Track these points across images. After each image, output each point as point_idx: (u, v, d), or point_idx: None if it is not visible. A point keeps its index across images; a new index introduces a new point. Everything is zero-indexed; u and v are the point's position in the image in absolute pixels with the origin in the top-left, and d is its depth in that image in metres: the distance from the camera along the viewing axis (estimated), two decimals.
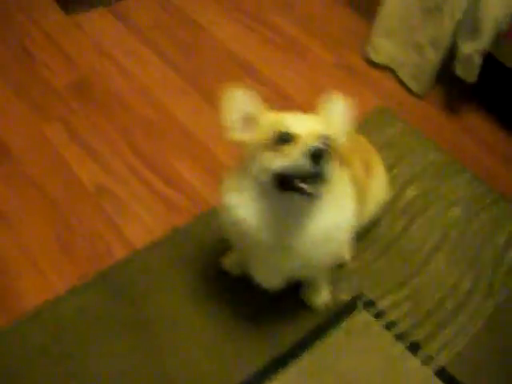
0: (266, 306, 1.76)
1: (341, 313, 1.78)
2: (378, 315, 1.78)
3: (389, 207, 2.00)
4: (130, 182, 2.03)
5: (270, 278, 1.56)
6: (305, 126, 1.30)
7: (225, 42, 2.66)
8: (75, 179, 2.02)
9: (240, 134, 1.36)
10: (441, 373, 1.68)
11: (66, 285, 1.75)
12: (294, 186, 1.25)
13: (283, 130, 1.27)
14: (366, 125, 2.32)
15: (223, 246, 1.80)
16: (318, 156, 1.19)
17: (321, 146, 1.21)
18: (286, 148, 1.25)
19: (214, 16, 2.80)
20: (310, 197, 1.26)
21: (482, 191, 2.18)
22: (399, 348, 1.72)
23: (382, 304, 1.81)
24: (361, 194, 1.60)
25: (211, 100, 2.36)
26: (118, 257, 1.83)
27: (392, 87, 2.56)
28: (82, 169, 2.05)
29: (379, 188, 1.84)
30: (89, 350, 1.62)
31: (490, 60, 2.27)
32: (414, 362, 1.69)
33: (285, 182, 1.27)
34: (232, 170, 1.45)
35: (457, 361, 1.71)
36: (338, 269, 1.85)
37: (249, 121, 1.36)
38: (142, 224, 1.92)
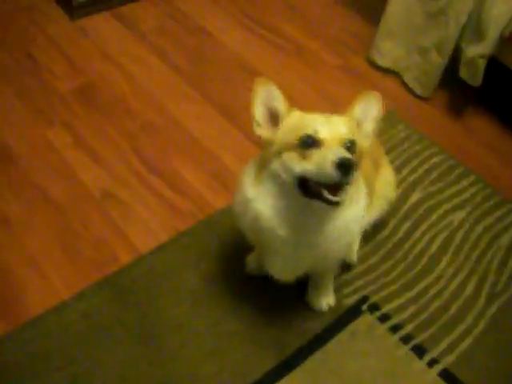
0: (270, 310, 1.76)
1: (345, 316, 1.78)
2: (383, 318, 1.78)
3: (393, 211, 2.00)
4: (135, 187, 2.04)
5: (284, 271, 1.57)
6: (331, 129, 1.30)
7: (230, 47, 2.67)
8: (80, 184, 2.03)
9: (265, 130, 1.38)
10: (445, 375, 1.68)
11: (70, 290, 1.75)
12: (318, 194, 1.27)
13: (309, 132, 1.28)
14: None
15: (227, 249, 1.82)
16: (345, 166, 1.20)
17: (349, 156, 1.21)
18: (312, 152, 1.26)
19: (220, 22, 2.81)
20: (335, 205, 1.27)
21: (486, 194, 2.17)
22: (403, 351, 1.72)
23: (387, 307, 1.81)
24: (370, 188, 1.62)
25: (216, 105, 2.37)
26: (123, 262, 1.83)
27: (396, 90, 2.57)
28: (86, 174, 2.06)
29: (387, 184, 1.85)
30: (93, 356, 1.63)
31: (494, 63, 2.27)
32: (418, 365, 1.69)
33: (307, 186, 1.29)
34: (252, 165, 1.45)
35: (461, 363, 1.71)
36: (345, 272, 1.86)
37: (274, 117, 1.38)
38: (147, 228, 1.93)
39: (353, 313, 1.79)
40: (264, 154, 1.40)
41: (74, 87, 2.36)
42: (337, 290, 1.82)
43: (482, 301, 1.87)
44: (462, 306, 1.85)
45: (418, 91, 2.50)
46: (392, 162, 2.12)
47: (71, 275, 1.80)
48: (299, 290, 1.78)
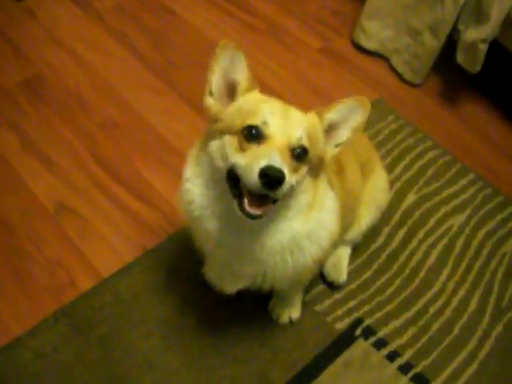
0: (252, 338, 1.57)
1: (338, 344, 1.59)
2: (379, 344, 1.60)
3: (387, 217, 1.79)
4: (94, 198, 1.79)
5: (221, 280, 1.38)
6: (283, 127, 1.10)
7: (198, 28, 2.39)
8: (30, 196, 1.77)
9: (217, 103, 1.19)
10: None
11: (22, 325, 1.53)
12: (240, 197, 1.09)
13: (256, 123, 1.09)
14: None
15: (200, 266, 1.58)
16: (270, 179, 1.01)
17: (279, 168, 1.02)
18: (251, 147, 1.08)
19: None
20: (250, 218, 1.07)
21: (487, 194, 1.98)
22: (403, 381, 1.54)
23: (383, 331, 1.63)
24: (354, 198, 1.48)
25: (185, 97, 2.10)
26: (82, 288, 1.61)
27: (383, 75, 2.34)
28: (37, 184, 1.80)
29: (379, 190, 1.66)
30: None
31: (492, 47, 2.04)
32: None
33: (237, 183, 1.10)
34: (196, 146, 1.26)
35: None
36: (335, 291, 1.66)
37: (231, 90, 1.19)
38: (109, 247, 1.69)
39: (346, 339, 1.60)
40: (208, 130, 1.20)
41: (20, 80, 2.07)
42: (327, 313, 1.63)
43: (486, 318, 1.69)
44: (466, 325, 1.67)
45: (408, 76, 2.27)
46: (383, 158, 1.91)
47: (22, 306, 1.57)
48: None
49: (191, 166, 1.24)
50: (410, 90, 2.28)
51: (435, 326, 1.65)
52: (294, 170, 1.09)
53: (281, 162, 1.02)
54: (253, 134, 1.08)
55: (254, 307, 1.45)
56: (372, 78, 2.31)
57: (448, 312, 1.69)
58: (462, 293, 1.73)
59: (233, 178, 1.10)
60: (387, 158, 2.01)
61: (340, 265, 1.68)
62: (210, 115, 1.19)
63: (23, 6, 2.34)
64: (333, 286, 1.68)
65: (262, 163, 1.02)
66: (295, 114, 1.15)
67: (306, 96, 2.18)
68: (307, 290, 1.62)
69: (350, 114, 1.19)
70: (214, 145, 1.15)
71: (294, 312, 1.60)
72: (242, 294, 1.43)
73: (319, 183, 1.22)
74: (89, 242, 1.69)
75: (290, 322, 1.60)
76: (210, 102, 1.19)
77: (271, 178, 1.01)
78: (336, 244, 1.47)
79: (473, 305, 1.71)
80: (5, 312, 1.54)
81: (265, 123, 1.09)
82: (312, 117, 1.18)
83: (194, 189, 1.22)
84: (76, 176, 1.83)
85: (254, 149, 1.07)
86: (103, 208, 1.77)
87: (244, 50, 2.33)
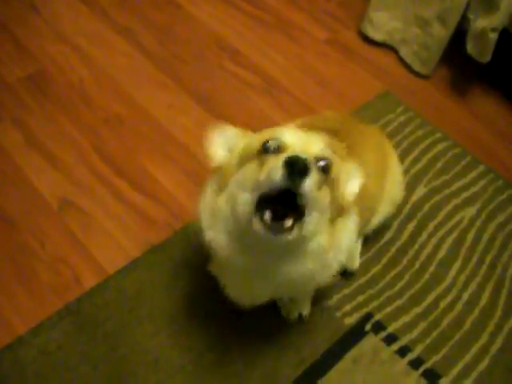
0: (261, 335, 1.53)
1: (347, 339, 1.56)
2: (389, 339, 1.57)
3: (395, 210, 1.76)
4: (98, 193, 1.76)
5: (242, 296, 1.34)
6: (303, 140, 1.06)
7: (203, 21, 2.35)
8: (34, 192, 1.74)
9: (222, 158, 1.16)
10: None
11: (26, 323, 1.50)
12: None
13: (275, 136, 1.05)
14: (365, 112, 2.07)
15: (206, 262, 1.56)
16: (297, 165, 0.94)
17: (304, 156, 0.95)
18: (269, 158, 1.02)
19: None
20: (275, 233, 1.01)
21: (498, 186, 1.94)
22: (414, 377, 1.51)
23: (393, 326, 1.59)
24: (373, 203, 1.46)
25: (191, 91, 2.07)
26: (87, 285, 1.58)
27: (392, 67, 2.29)
28: (41, 179, 1.77)
29: (395, 185, 1.62)
30: None
31: (502, 36, 1.99)
32: None
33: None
34: (208, 189, 1.20)
35: None
36: (345, 284, 1.64)
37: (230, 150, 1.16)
38: (114, 243, 1.67)
39: (355, 334, 1.57)
40: (220, 178, 1.15)
41: (24, 75, 2.05)
42: (336, 308, 1.60)
43: (498, 312, 1.65)
44: (477, 319, 1.63)
45: (417, 67, 2.23)
46: None
47: (26, 304, 1.54)
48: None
49: (207, 215, 1.17)
50: (418, 82, 2.24)
51: (446, 321, 1.61)
52: (318, 187, 1.02)
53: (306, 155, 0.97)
54: (272, 147, 1.04)
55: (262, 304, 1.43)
56: (380, 69, 2.27)
57: (459, 306, 1.65)
58: (473, 287, 1.69)
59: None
60: (396, 151, 1.96)
61: (353, 253, 1.64)
62: (219, 168, 1.16)
63: (27, 1, 2.31)
64: (346, 274, 1.64)
65: (286, 156, 0.96)
66: (312, 134, 1.12)
67: (314, 89, 2.14)
68: None
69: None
70: (232, 185, 1.09)
71: (305, 308, 1.57)
72: None
73: (337, 225, 1.15)
74: (93, 238, 1.66)
75: (300, 318, 1.57)
76: (218, 159, 1.16)
77: (296, 164, 0.94)
78: None
79: (484, 299, 1.67)
80: (8, 310, 1.52)
81: (284, 135, 1.05)
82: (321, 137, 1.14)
83: (216, 235, 1.15)
84: (80, 172, 1.80)
85: (273, 158, 1.01)
86: (108, 204, 1.74)
87: (252, 46, 2.32)
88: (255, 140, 1.10)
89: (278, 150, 1.03)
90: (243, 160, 1.10)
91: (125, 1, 2.39)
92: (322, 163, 1.04)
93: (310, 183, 0.96)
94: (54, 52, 2.15)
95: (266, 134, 1.10)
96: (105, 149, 1.87)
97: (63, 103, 1.98)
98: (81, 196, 1.75)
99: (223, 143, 1.16)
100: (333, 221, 1.12)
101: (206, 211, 1.17)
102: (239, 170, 1.09)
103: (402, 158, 1.95)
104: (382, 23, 2.25)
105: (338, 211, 1.12)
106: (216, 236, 1.14)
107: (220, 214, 1.12)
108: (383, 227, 1.72)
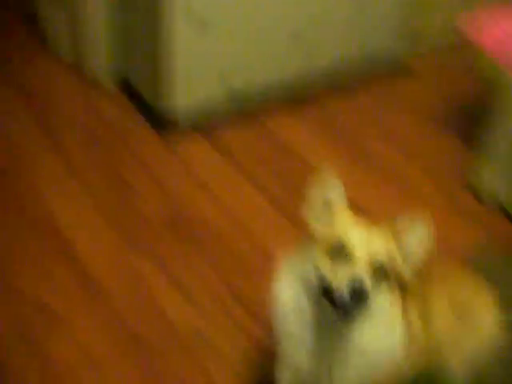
0: None
1: None
2: None
3: None
4: (229, 330, 1.91)
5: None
6: (363, 244, 1.23)
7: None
8: (167, 319, 1.92)
9: (316, 223, 1.31)
10: None
11: None
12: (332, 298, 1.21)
13: (340, 241, 1.23)
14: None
15: None
16: (356, 293, 1.16)
17: (362, 284, 1.16)
18: (338, 264, 1.21)
19: (320, 148, 2.74)
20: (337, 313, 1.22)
21: None
22: None
23: None
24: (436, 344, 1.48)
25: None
26: None
27: (503, 226, 2.38)
28: (174, 310, 1.95)
29: (480, 342, 1.56)
30: None
31: None
32: None
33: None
34: (291, 257, 1.38)
35: None
36: None
37: (327, 209, 1.31)
38: (235, 374, 1.78)
39: None
40: (304, 249, 1.33)
41: (163, 214, 2.29)
42: None
43: None
44: None
45: None
46: None
47: None
48: None
49: (284, 284, 1.36)
50: None
51: None
52: (375, 286, 1.21)
53: (365, 277, 1.18)
54: (339, 251, 1.22)
55: None
56: (487, 225, 2.37)
57: None
58: None
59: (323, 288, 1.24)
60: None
61: None
62: (310, 234, 1.33)
63: (169, 147, 2.61)
64: None
65: (348, 280, 1.17)
66: (377, 235, 1.26)
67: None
68: None
69: (414, 228, 1.28)
70: (308, 262, 1.28)
71: None
72: None
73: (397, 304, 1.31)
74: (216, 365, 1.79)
75: None
76: (312, 222, 1.32)
77: (358, 293, 1.16)
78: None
79: None
80: None
81: (347, 241, 1.22)
82: (389, 235, 1.28)
83: (287, 290, 1.34)
84: (212, 309, 1.96)
85: (342, 266, 1.20)
86: (235, 338, 1.88)
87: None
88: (331, 235, 1.26)
89: (345, 254, 1.21)
90: (322, 249, 1.25)
91: (258, 155, 2.66)
92: (378, 265, 1.21)
93: (366, 304, 1.19)
94: (191, 194, 2.40)
95: (337, 232, 1.25)
96: (238, 291, 2.03)
97: (197, 243, 2.19)
98: (209, 327, 1.90)
99: (322, 193, 1.31)
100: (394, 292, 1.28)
101: (282, 283, 1.37)
102: (317, 257, 1.25)
103: None
104: (495, 188, 2.33)
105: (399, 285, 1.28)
106: (285, 287, 1.35)
107: (295, 286, 1.32)
108: None
